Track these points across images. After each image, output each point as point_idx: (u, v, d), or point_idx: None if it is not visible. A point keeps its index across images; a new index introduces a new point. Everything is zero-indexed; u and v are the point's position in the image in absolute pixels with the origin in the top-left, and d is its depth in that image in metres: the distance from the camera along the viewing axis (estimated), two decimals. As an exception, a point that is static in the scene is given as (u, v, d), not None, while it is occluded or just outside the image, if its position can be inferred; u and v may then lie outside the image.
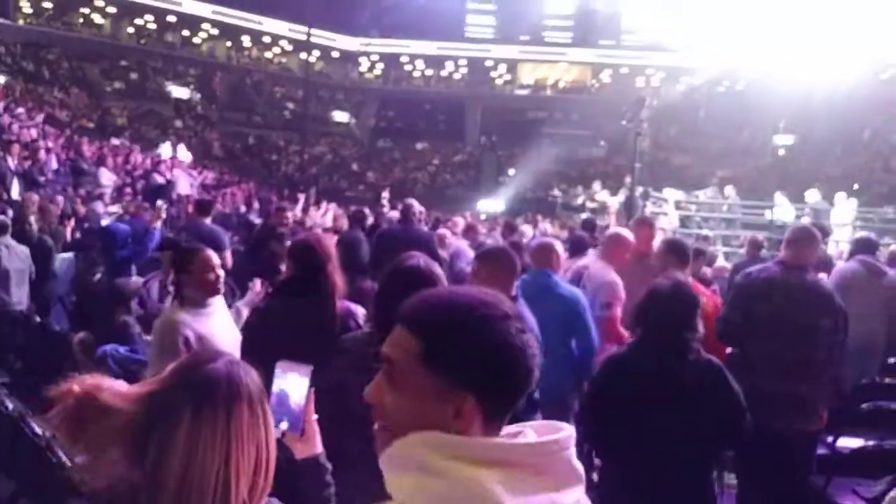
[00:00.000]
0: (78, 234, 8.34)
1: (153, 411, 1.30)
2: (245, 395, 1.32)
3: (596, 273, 4.62)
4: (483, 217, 18.27)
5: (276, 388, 1.57)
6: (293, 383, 1.59)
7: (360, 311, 3.08)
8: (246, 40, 34.93)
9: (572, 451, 1.04)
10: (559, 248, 4.31)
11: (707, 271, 7.02)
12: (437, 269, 2.47)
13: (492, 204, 24.65)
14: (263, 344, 2.92)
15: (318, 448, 1.67)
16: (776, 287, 3.74)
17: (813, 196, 13.29)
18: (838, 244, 10.93)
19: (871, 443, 4.04)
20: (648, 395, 2.83)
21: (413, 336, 1.04)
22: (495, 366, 1.01)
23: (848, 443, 4.05)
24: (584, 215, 15.62)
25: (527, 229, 11.84)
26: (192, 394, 1.30)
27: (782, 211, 12.65)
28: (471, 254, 7.32)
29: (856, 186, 20.66)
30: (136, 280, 4.99)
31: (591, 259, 5.05)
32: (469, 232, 8.23)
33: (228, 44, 34.72)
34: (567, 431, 1.04)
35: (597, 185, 17.62)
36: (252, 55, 35.64)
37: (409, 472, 0.99)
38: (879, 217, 13.76)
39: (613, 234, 5.12)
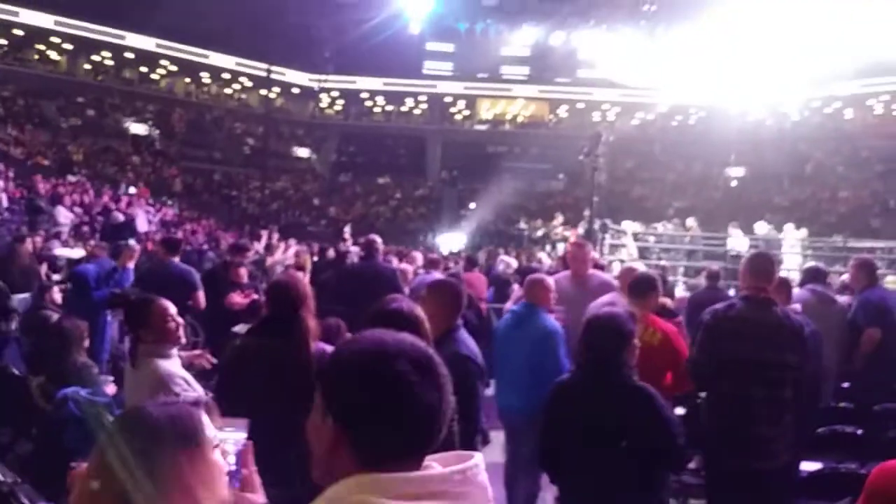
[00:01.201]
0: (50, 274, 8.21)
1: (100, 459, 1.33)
2: (192, 440, 1.34)
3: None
4: (445, 252, 18.36)
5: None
6: (229, 438, 1.62)
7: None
8: (205, 76, 34.85)
9: (482, 478, 1.10)
10: (549, 283, 4.60)
11: (668, 302, 7.15)
12: (419, 312, 2.54)
13: (452, 238, 24.81)
14: (240, 383, 2.97)
15: (261, 499, 1.68)
16: (744, 326, 3.65)
17: (762, 228, 13.68)
18: (788, 273, 11.23)
19: (829, 466, 4.16)
20: (585, 420, 2.98)
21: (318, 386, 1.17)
22: (362, 403, 1.08)
23: (807, 466, 4.16)
24: (547, 248, 15.87)
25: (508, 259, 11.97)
26: (137, 439, 1.32)
27: (736, 242, 12.98)
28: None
29: (802, 216, 21.34)
30: (81, 322, 4.89)
31: (611, 295, 5.15)
32: (431, 265, 8.29)
33: (187, 80, 34.59)
34: (474, 460, 1.10)
35: (558, 219, 17.87)
36: (211, 91, 35.55)
37: None
38: (829, 246, 14.18)
39: (626, 267, 5.76)
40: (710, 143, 27.99)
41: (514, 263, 10.29)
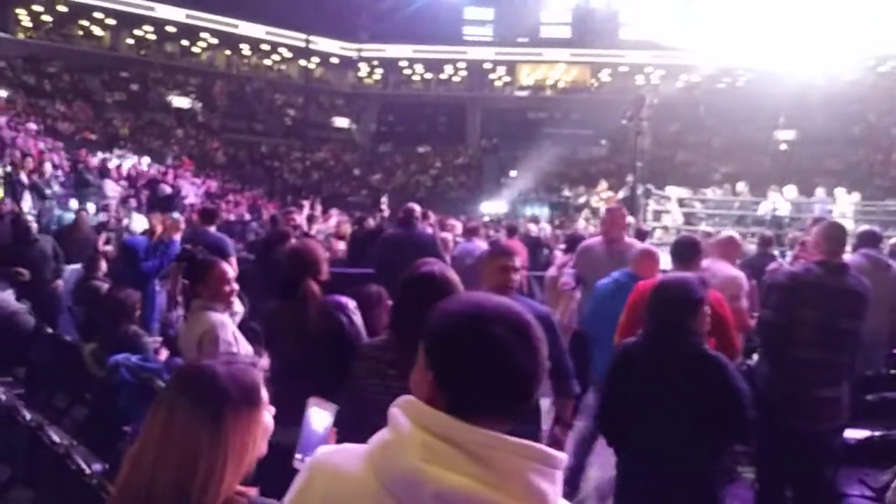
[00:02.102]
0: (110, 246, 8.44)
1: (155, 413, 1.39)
2: (243, 397, 1.40)
3: (719, 270, 4.78)
4: (486, 219, 18.32)
5: (305, 422, 1.74)
6: (319, 419, 1.76)
7: (350, 303, 3.26)
8: (245, 48, 35.03)
9: (534, 469, 1.07)
10: (657, 255, 4.69)
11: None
12: (452, 275, 2.54)
13: (494, 205, 24.72)
14: (269, 339, 3.30)
15: None
16: (822, 291, 3.67)
17: (791, 192, 13.33)
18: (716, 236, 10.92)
19: (877, 433, 4.07)
20: (651, 388, 2.92)
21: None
22: (456, 358, 1.13)
23: (855, 434, 4.08)
24: (586, 213, 15.69)
25: (532, 227, 11.92)
26: (192, 398, 1.38)
27: (778, 205, 12.67)
28: (479, 252, 7.38)
29: (852, 180, 20.72)
30: (133, 292, 5.04)
31: (709, 260, 5.10)
32: (472, 233, 8.25)
33: (228, 52, 34.83)
34: (537, 447, 1.08)
35: (602, 185, 17.61)
36: (251, 63, 35.75)
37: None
38: (882, 210, 13.75)
39: (726, 236, 5.50)
40: (758, 105, 27.21)
41: (547, 228, 10.23)
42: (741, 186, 14.23)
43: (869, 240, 6.09)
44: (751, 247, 8.20)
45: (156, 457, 1.35)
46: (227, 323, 3.22)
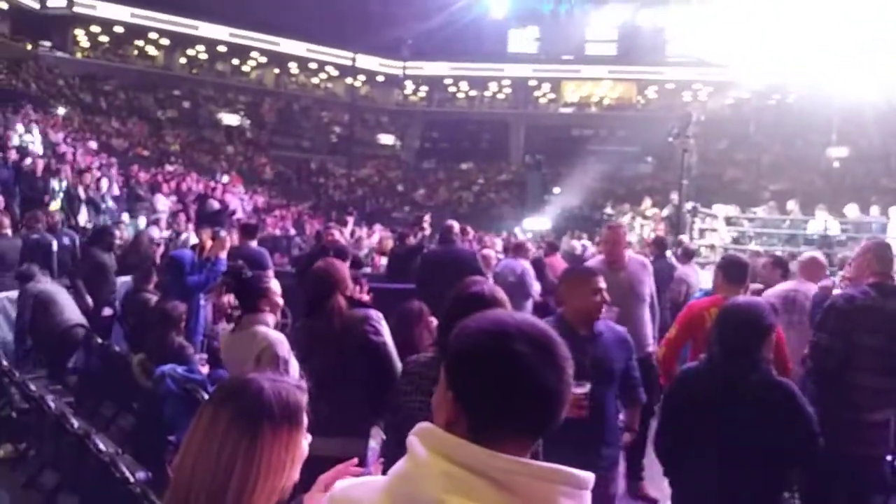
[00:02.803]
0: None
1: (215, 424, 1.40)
2: (284, 415, 1.40)
3: (809, 292, 4.89)
4: (529, 235, 18.24)
5: (370, 445, 1.84)
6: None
7: (375, 314, 3.34)
8: (293, 67, 35.71)
9: (561, 492, 1.03)
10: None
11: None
12: (501, 294, 2.53)
13: (538, 222, 24.57)
14: (299, 358, 3.33)
15: None
16: (882, 317, 3.58)
17: (852, 211, 12.90)
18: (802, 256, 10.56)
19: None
20: (714, 411, 2.83)
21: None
22: (483, 381, 1.09)
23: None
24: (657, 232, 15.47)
25: (576, 244, 11.84)
26: (234, 408, 1.38)
27: (822, 225, 12.31)
28: (520, 270, 7.36)
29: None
30: (180, 304, 5.16)
31: (796, 282, 5.14)
32: (517, 251, 8.23)
33: (276, 71, 35.55)
34: (563, 470, 1.05)
35: (647, 202, 17.37)
36: (299, 81, 36.42)
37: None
38: (938, 229, 13.24)
39: (808, 256, 5.44)
40: (810, 122, 26.64)
41: (590, 245, 10.15)
42: (791, 205, 13.87)
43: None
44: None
45: (194, 464, 1.36)
46: (285, 341, 3.28)
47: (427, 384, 2.43)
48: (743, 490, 2.75)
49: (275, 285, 3.44)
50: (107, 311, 7.26)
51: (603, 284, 3.28)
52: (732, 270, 4.12)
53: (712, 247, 12.42)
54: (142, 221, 11.84)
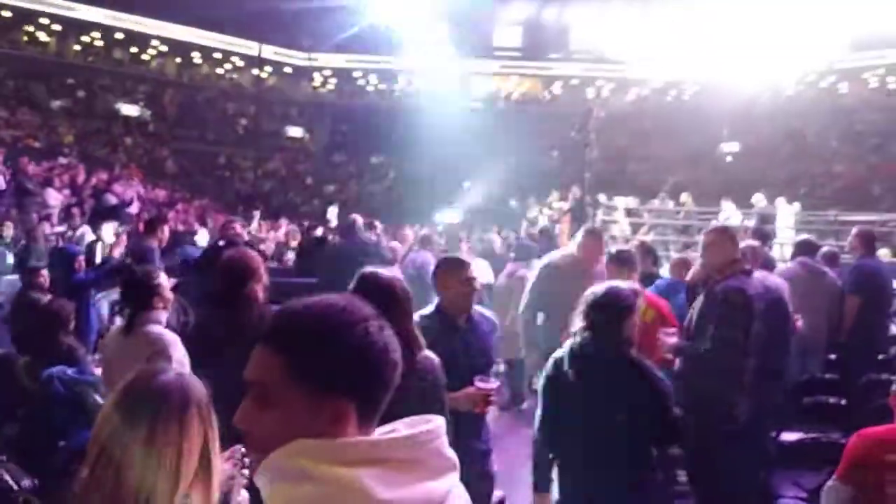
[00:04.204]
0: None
1: (113, 425, 1.40)
2: (195, 402, 1.43)
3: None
4: (440, 228, 18.33)
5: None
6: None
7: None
8: (196, 56, 34.54)
9: (443, 441, 1.07)
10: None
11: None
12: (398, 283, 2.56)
13: (449, 215, 24.74)
14: (198, 351, 3.17)
15: None
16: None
17: (759, 200, 13.65)
18: (782, 247, 11.26)
19: (811, 436, 4.19)
20: (577, 390, 3.00)
21: (276, 353, 1.06)
22: (362, 366, 1.05)
23: (790, 436, 4.19)
24: (541, 224, 15.81)
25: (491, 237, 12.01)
26: (149, 408, 1.39)
27: (729, 216, 12.98)
28: (421, 261, 7.40)
29: (802, 191, 21.31)
30: (68, 303, 4.91)
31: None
32: (423, 244, 8.27)
33: (178, 60, 34.28)
34: (436, 422, 1.07)
35: (554, 195, 17.75)
36: (203, 72, 35.26)
37: (284, 482, 0.99)
38: (821, 220, 14.17)
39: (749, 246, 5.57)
40: (705, 118, 27.86)
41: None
42: (684, 197, 14.55)
43: (805, 248, 6.33)
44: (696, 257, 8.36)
45: (120, 466, 1.39)
46: (178, 341, 3.16)
47: None
48: (609, 467, 2.90)
49: (164, 280, 3.30)
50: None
51: (474, 274, 3.35)
52: (620, 259, 4.35)
53: (613, 237, 12.83)
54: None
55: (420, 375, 2.47)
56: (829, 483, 3.18)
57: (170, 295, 3.26)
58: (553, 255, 5.46)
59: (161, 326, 3.19)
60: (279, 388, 1.05)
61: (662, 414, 2.93)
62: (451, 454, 1.07)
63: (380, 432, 1.07)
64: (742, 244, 4.47)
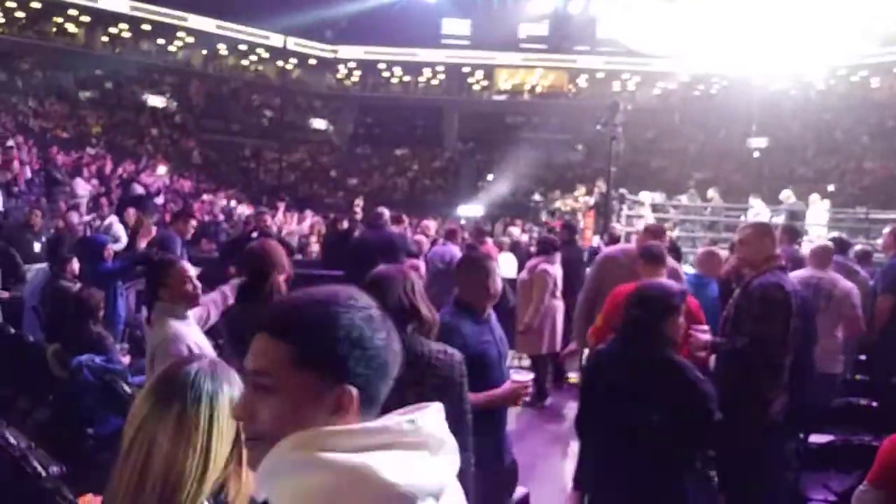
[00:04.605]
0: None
1: (143, 414, 1.42)
2: (226, 390, 1.44)
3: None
4: (462, 221, 18.35)
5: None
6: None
7: None
8: (222, 48, 34.76)
9: (441, 423, 1.07)
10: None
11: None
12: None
13: (471, 209, 24.75)
14: (233, 345, 3.21)
15: None
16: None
17: (788, 197, 13.45)
18: (812, 243, 11.07)
19: (840, 438, 4.12)
20: (618, 389, 2.94)
21: (280, 341, 1.06)
22: (365, 354, 1.05)
23: (819, 439, 4.12)
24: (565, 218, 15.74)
25: (513, 231, 11.98)
26: (178, 394, 1.41)
27: (757, 212, 12.81)
28: (450, 256, 7.39)
29: (831, 188, 20.99)
30: (97, 291, 4.94)
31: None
32: (449, 237, 8.26)
33: (204, 52, 34.53)
34: (433, 407, 1.08)
35: (580, 189, 17.66)
36: (229, 63, 35.49)
37: (293, 475, 0.98)
38: (851, 217, 13.94)
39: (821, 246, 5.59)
40: (733, 113, 27.56)
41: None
42: (711, 192, 14.38)
43: (838, 247, 6.23)
44: (723, 252, 8.26)
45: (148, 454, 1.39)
46: (184, 334, 3.05)
47: None
48: (648, 467, 2.86)
49: (188, 267, 3.21)
50: (2, 294, 6.97)
51: (497, 268, 3.34)
52: (649, 254, 4.28)
53: (638, 233, 12.71)
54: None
55: (433, 371, 2.44)
56: (861, 487, 3.12)
57: (190, 287, 3.16)
58: (611, 249, 5.45)
59: (174, 319, 3.08)
60: (283, 376, 1.04)
61: (705, 416, 2.89)
62: (450, 438, 1.07)
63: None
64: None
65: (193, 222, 6.71)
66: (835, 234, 9.00)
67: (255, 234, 6.60)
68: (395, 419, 1.04)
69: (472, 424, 2.56)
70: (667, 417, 2.84)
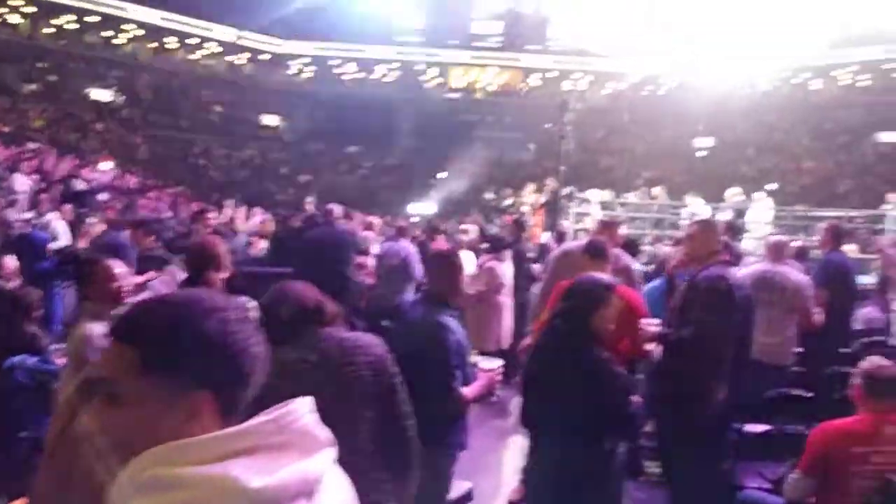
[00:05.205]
0: None
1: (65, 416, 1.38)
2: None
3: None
4: (414, 219, 18.33)
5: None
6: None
7: (247, 300, 3.16)
8: (171, 41, 34.03)
9: (311, 419, 1.03)
10: None
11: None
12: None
13: (423, 206, 24.74)
14: None
15: None
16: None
17: (735, 194, 13.74)
18: (759, 241, 11.36)
19: (775, 427, 4.25)
20: (548, 381, 3.04)
21: (126, 346, 1.01)
22: (219, 357, 1.01)
23: (754, 428, 4.25)
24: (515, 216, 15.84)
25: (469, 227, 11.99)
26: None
27: (695, 210, 13.04)
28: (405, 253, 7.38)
29: (774, 186, 21.56)
30: (34, 290, 4.79)
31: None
32: (400, 234, 8.24)
33: (153, 45, 33.76)
34: (300, 401, 1.04)
35: (530, 188, 17.78)
36: (178, 57, 34.77)
37: (150, 496, 0.92)
38: (791, 215, 14.33)
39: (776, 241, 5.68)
40: (680, 113, 28.09)
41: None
42: (657, 191, 14.66)
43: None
44: (666, 249, 8.43)
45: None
46: (102, 336, 2.89)
47: None
48: (578, 453, 2.93)
49: (114, 266, 3.10)
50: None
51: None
52: (592, 249, 4.35)
53: (587, 230, 12.89)
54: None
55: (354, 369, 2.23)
56: (793, 475, 3.23)
57: (115, 287, 3.02)
58: (568, 245, 5.52)
59: (96, 320, 2.91)
60: (132, 384, 0.99)
61: (619, 408, 2.96)
62: (323, 432, 1.04)
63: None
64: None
65: (152, 239, 6.40)
66: (772, 236, 9.24)
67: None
68: (256, 421, 0.99)
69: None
70: (584, 406, 2.91)
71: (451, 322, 3.08)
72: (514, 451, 4.71)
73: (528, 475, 3.31)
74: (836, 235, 6.36)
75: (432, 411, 3.06)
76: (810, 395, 4.72)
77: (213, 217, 7.59)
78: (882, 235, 11.43)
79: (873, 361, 3.17)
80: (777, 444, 4.04)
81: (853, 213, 14.43)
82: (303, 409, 1.03)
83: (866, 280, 8.59)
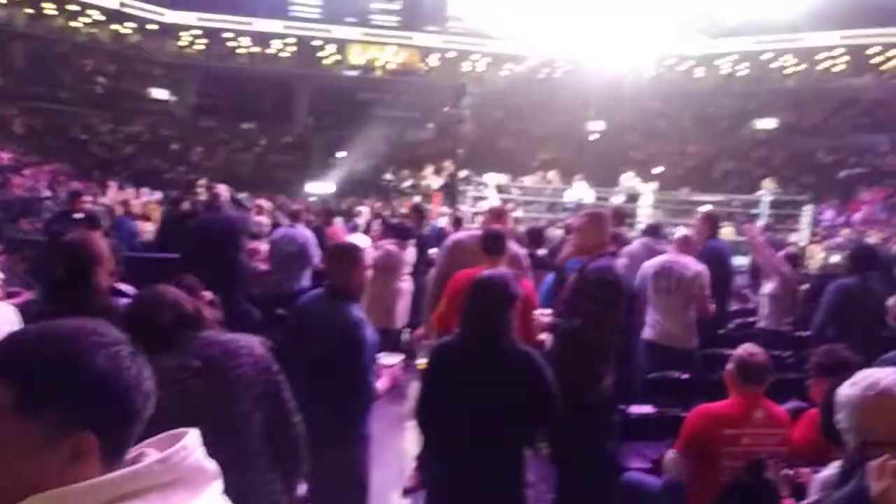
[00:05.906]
0: None
1: None
2: None
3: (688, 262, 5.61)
4: (312, 199, 18.06)
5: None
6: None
7: (129, 289, 3.07)
8: (49, 7, 31.75)
9: (199, 453, 1.01)
10: None
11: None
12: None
13: (321, 186, 24.41)
14: None
15: None
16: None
17: (628, 179, 14.29)
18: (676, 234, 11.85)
19: (657, 410, 4.50)
20: (465, 379, 3.04)
21: (4, 383, 0.92)
22: (107, 396, 0.95)
23: (637, 410, 4.47)
24: (414, 199, 15.89)
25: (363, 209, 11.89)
26: None
27: (579, 194, 13.49)
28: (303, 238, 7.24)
29: (661, 168, 22.55)
30: None
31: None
32: (294, 217, 8.05)
33: (29, 10, 31.42)
34: (189, 436, 1.01)
35: (428, 170, 17.84)
36: (56, 24, 32.51)
37: None
38: (673, 199, 15.01)
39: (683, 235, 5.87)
40: (574, 97, 28.78)
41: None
42: (552, 175, 15.04)
43: (651, 230, 6.84)
44: (558, 232, 8.70)
45: None
46: None
47: None
48: (491, 450, 3.00)
49: None
50: None
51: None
52: (489, 242, 4.39)
53: (483, 214, 13.05)
54: None
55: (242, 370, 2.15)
56: (669, 454, 3.44)
57: None
58: (460, 234, 5.49)
59: None
60: (7, 424, 0.91)
61: (549, 398, 3.04)
62: (210, 464, 1.01)
63: (128, 459, 0.99)
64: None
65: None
66: (659, 215, 9.69)
67: (77, 216, 6.11)
68: (145, 462, 0.95)
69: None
70: (515, 402, 2.98)
71: (362, 316, 3.11)
72: (412, 438, 4.76)
73: (427, 469, 3.35)
74: (713, 223, 6.75)
75: (347, 407, 3.08)
76: (686, 376, 5.03)
77: (90, 200, 7.17)
78: (756, 219, 12.18)
79: (746, 349, 3.38)
80: (658, 426, 4.27)
81: (731, 196, 15.28)
82: (193, 445, 1.00)
83: (742, 261, 9.19)
